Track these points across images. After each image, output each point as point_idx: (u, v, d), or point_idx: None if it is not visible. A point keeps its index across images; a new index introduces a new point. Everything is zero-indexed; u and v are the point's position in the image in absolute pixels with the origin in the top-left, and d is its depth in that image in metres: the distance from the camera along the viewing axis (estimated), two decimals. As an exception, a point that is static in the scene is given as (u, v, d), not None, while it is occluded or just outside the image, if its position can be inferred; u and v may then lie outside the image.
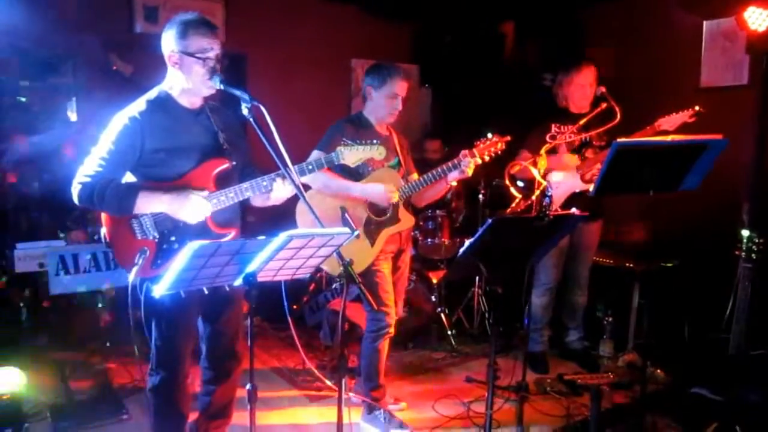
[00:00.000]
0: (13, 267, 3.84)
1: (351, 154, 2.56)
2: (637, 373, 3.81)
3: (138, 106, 2.38)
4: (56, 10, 4.34)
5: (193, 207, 2.32)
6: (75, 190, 2.32)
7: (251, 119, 2.24)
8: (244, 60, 5.61)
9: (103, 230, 2.41)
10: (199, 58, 2.34)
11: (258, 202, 2.61)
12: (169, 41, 2.38)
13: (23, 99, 4.52)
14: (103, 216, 2.39)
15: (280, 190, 2.45)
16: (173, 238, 2.39)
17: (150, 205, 2.32)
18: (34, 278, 4.01)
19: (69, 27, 4.48)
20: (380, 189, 3.06)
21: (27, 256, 3.86)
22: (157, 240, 2.37)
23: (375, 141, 2.59)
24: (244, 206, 2.65)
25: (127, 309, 2.28)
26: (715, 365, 3.51)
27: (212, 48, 2.36)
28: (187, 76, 2.38)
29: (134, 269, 2.31)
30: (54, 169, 4.45)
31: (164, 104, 2.43)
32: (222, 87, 2.36)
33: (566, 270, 4.13)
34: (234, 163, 2.50)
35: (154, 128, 2.35)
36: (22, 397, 2.94)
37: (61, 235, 4.11)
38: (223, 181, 2.46)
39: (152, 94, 2.45)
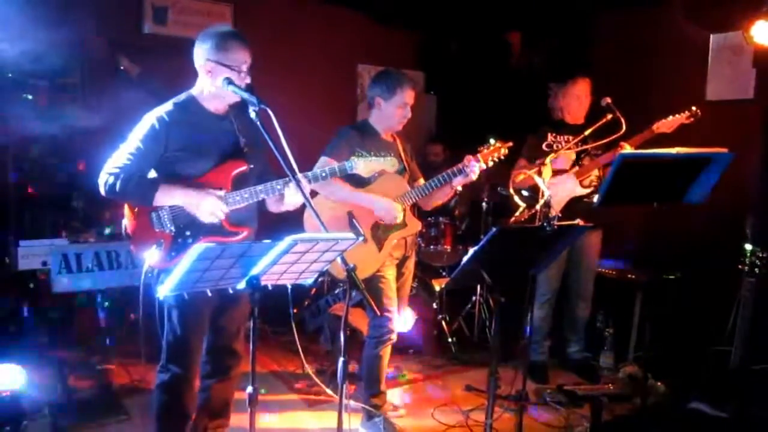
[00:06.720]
0: (16, 264, 3.85)
1: (365, 165, 2.63)
2: (638, 385, 3.80)
3: (166, 107, 2.51)
4: (64, 10, 4.36)
5: (208, 206, 2.43)
6: (102, 180, 2.42)
7: (258, 122, 2.27)
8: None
9: (125, 221, 2.53)
10: (234, 69, 2.46)
11: (273, 207, 2.72)
12: (204, 51, 2.48)
13: (29, 97, 4.53)
14: (126, 208, 2.51)
15: (292, 195, 2.51)
16: (188, 233, 2.49)
17: (169, 197, 2.43)
18: (36, 276, 4.01)
19: (77, 27, 4.49)
20: (388, 206, 3.06)
21: (30, 253, 3.86)
22: (173, 233, 2.48)
23: (390, 154, 2.64)
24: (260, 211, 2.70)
25: (128, 309, 2.30)
26: (716, 379, 3.50)
27: (246, 61, 2.51)
28: (217, 84, 2.49)
29: (150, 255, 2.42)
30: (58, 168, 4.47)
31: (190, 107, 2.54)
32: (230, 89, 2.40)
33: (568, 282, 4.11)
34: (252, 166, 2.59)
35: (178, 129, 2.47)
36: (21, 394, 2.94)
37: (64, 234, 4.10)
38: (240, 183, 2.55)
39: (180, 97, 2.57)
